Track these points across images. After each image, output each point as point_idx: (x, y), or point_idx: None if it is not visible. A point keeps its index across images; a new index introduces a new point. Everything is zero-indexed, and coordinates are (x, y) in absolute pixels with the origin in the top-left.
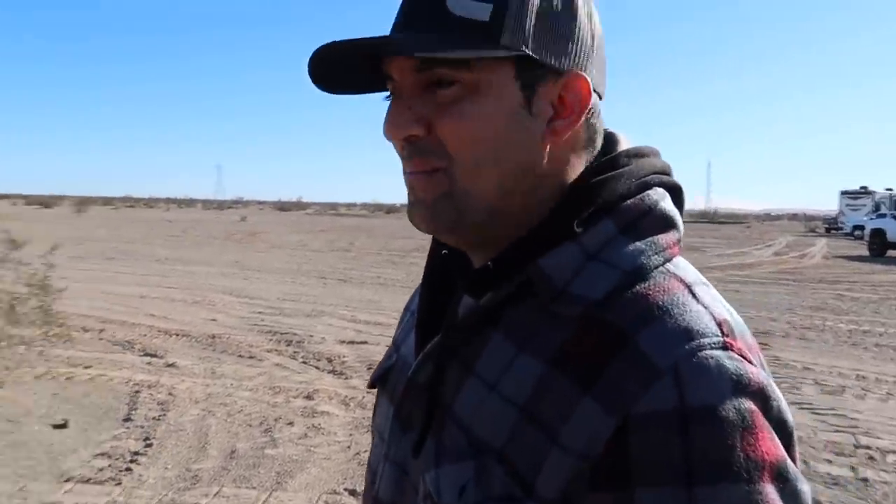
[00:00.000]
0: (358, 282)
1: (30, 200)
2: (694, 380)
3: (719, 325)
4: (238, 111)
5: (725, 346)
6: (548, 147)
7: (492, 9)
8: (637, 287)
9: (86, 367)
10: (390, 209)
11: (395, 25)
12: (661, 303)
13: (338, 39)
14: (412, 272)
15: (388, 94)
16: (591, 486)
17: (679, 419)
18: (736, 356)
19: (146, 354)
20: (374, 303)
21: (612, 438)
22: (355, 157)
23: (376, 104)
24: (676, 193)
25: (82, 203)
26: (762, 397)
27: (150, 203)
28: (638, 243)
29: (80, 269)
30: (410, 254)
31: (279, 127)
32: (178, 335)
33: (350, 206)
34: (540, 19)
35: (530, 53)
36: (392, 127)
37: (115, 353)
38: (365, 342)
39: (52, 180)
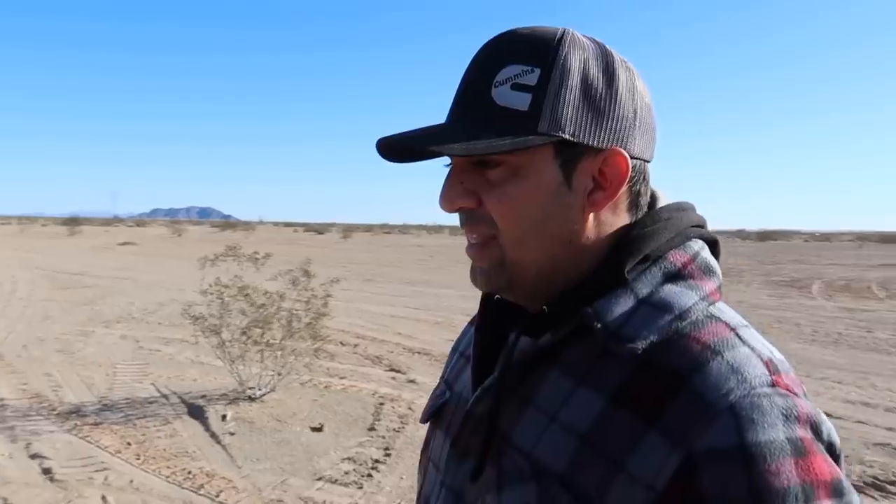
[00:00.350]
0: None
1: (308, 228)
2: (750, 418)
3: (766, 364)
4: None
5: (774, 384)
6: (590, 216)
7: (531, 99)
8: (688, 330)
9: (341, 378)
10: None
11: (450, 111)
12: (712, 345)
13: (393, 135)
14: None
15: (448, 161)
16: None
17: (741, 455)
18: (783, 391)
19: (391, 370)
20: None
21: (677, 472)
22: None
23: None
24: (713, 245)
25: (347, 230)
26: (812, 425)
27: (404, 229)
28: (684, 289)
29: (342, 290)
30: None
31: None
32: (420, 353)
33: None
34: (578, 104)
35: (567, 137)
36: (445, 200)
37: (366, 366)
38: None
39: (325, 209)
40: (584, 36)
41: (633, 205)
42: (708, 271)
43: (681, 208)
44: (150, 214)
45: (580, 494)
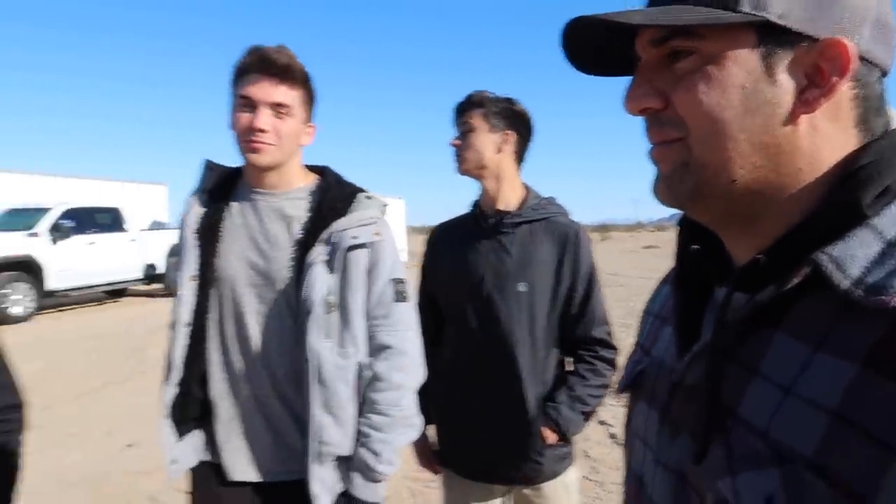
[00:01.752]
0: None
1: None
2: None
3: None
4: None
5: None
6: (803, 120)
7: None
8: None
9: None
10: None
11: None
12: None
13: (583, 15)
14: None
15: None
16: None
17: None
18: None
19: None
20: None
21: None
22: None
23: None
24: None
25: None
26: None
27: None
28: None
29: None
30: None
31: None
32: None
33: None
34: None
35: (773, 19)
36: (630, 101)
37: None
38: None
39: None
40: None
41: (863, 120)
42: None
43: None
44: (669, 219)
45: (838, 483)
